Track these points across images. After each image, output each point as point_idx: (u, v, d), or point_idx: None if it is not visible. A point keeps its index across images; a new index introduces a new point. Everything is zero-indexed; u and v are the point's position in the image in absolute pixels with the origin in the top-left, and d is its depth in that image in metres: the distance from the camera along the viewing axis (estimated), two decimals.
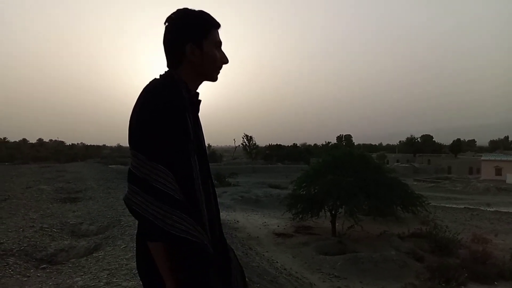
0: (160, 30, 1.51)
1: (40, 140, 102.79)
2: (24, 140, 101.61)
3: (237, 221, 15.77)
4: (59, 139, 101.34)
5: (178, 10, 1.50)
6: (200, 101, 1.54)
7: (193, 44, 1.46)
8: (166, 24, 1.49)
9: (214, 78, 1.54)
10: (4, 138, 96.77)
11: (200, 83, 1.54)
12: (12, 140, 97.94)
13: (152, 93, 1.38)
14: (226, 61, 1.54)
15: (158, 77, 1.47)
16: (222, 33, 1.55)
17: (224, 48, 1.56)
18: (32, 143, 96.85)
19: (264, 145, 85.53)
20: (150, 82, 1.44)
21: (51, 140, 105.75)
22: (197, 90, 1.54)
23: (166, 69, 1.50)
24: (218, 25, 1.52)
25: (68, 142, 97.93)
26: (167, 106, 1.33)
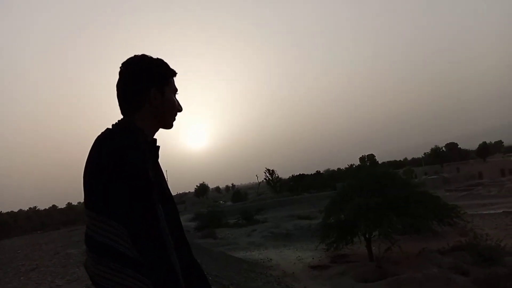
0: None
1: (69, 204, 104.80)
2: (54, 206, 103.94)
3: (270, 259, 15.42)
4: None
5: (137, 56, 1.44)
6: (158, 147, 1.46)
7: (156, 89, 1.41)
8: (125, 68, 1.42)
9: (170, 125, 1.50)
10: (35, 207, 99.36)
11: (157, 130, 1.47)
12: (42, 208, 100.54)
13: (104, 143, 1.29)
14: (180, 109, 1.52)
15: (110, 127, 1.37)
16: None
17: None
18: (61, 208, 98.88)
19: (287, 177, 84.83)
20: (102, 133, 1.34)
21: (79, 203, 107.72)
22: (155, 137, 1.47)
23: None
24: (175, 74, 1.50)
25: None
26: (120, 156, 1.23)
